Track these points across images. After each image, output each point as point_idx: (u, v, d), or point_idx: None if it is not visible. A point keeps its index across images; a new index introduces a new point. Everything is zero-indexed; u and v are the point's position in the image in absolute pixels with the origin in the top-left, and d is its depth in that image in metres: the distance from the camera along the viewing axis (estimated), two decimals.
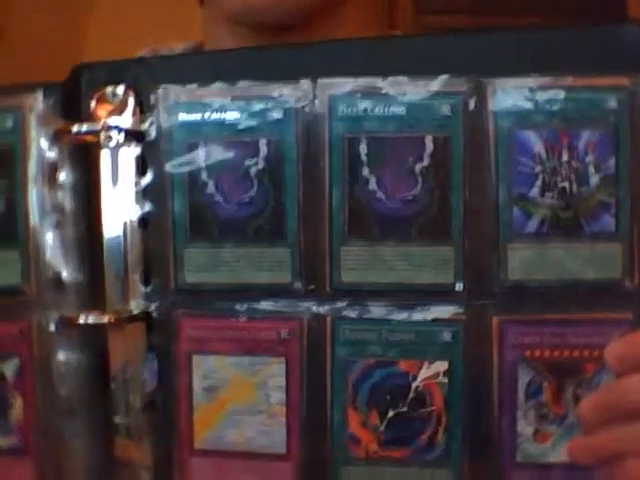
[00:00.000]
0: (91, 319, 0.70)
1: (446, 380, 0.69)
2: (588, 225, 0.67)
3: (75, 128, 0.70)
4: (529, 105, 0.67)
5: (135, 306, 0.72)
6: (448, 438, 0.69)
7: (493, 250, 0.68)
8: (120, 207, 0.71)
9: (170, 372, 0.72)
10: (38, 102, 0.70)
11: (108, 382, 0.72)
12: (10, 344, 0.72)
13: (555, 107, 0.67)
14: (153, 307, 0.72)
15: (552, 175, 0.67)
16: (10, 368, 0.72)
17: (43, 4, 1.69)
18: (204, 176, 0.70)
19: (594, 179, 0.67)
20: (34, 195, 0.70)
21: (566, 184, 0.67)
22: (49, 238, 0.70)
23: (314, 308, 0.70)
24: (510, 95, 0.67)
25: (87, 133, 0.70)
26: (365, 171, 0.69)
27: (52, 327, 0.71)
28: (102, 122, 0.70)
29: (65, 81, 0.72)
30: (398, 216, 0.69)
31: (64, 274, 0.71)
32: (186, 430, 0.72)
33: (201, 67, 0.73)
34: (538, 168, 0.67)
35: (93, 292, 0.72)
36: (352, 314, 0.70)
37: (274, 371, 0.71)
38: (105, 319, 0.70)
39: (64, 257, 0.71)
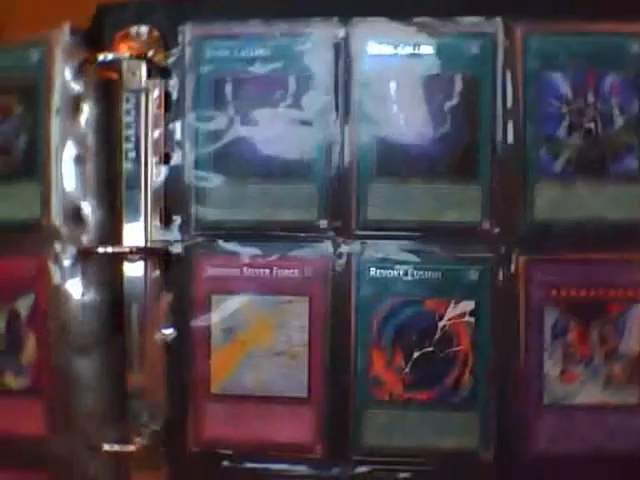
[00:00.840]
0: (110, 249, 0.68)
1: (472, 320, 0.68)
2: (613, 166, 0.68)
3: (101, 57, 0.69)
4: (557, 47, 0.68)
5: (154, 243, 0.70)
6: (474, 380, 0.68)
7: (520, 190, 0.68)
8: (141, 144, 0.70)
9: (188, 313, 0.70)
10: (64, 35, 0.69)
11: (123, 319, 0.70)
12: (26, 280, 0.70)
13: (582, 50, 0.68)
14: (173, 244, 0.70)
15: (578, 116, 0.68)
16: (25, 305, 0.69)
17: None
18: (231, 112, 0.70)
19: (619, 121, 0.68)
20: (56, 128, 0.69)
21: (592, 125, 0.68)
22: (69, 172, 0.69)
23: (339, 246, 0.69)
24: (539, 38, 0.68)
25: (112, 63, 0.69)
26: (394, 109, 0.69)
27: (68, 261, 0.69)
28: (127, 53, 0.69)
29: (90, 20, 0.72)
30: (426, 154, 0.69)
31: (83, 208, 0.69)
32: (203, 374, 0.70)
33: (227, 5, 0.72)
34: (565, 109, 0.68)
35: (112, 228, 0.70)
36: (378, 253, 0.69)
37: (296, 311, 0.69)
38: (123, 250, 0.69)
39: (83, 191, 0.69)
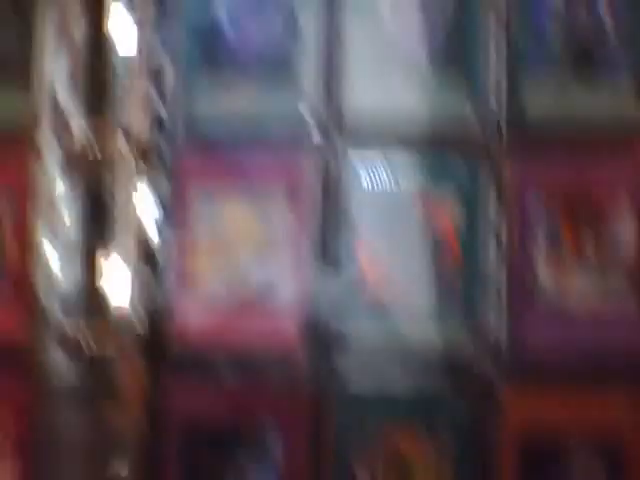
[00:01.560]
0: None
1: (462, 218, 0.67)
2: (601, 61, 0.67)
3: None
4: None
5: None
6: (465, 280, 0.67)
7: (509, 88, 0.67)
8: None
9: (173, 212, 0.69)
10: None
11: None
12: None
13: None
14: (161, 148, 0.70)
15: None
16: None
17: None
18: None
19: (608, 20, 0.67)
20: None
21: (582, 18, 0.67)
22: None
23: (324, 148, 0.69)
24: None
25: None
26: None
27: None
28: None
29: None
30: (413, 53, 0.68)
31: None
32: (185, 271, 0.69)
33: None
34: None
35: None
36: (366, 149, 0.68)
37: (279, 206, 0.69)
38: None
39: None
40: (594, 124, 0.67)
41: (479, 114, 0.68)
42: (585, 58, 0.67)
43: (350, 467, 0.66)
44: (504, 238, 0.67)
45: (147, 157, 0.69)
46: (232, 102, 0.69)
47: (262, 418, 0.67)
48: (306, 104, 0.69)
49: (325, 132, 0.68)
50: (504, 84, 0.68)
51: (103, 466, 0.68)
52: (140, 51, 0.69)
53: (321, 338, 0.67)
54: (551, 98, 0.67)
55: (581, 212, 0.67)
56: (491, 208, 0.67)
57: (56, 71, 0.69)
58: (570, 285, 0.66)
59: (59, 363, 0.68)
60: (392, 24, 0.68)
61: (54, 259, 0.68)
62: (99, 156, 0.68)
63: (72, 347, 0.68)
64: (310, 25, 0.69)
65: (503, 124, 0.67)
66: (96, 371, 0.68)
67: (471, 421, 0.66)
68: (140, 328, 0.69)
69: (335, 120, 0.68)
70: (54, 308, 0.68)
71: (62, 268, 0.68)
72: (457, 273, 0.67)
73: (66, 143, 0.68)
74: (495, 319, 0.66)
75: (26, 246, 0.69)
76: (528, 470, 0.65)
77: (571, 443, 0.65)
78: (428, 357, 0.67)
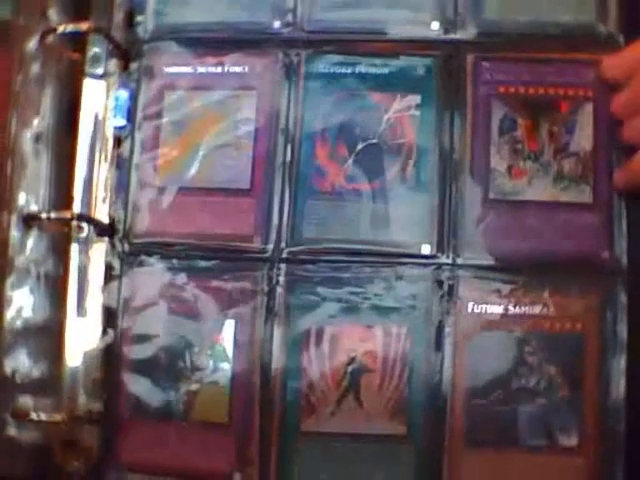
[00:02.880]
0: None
1: (418, 113, 0.67)
2: None
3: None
4: None
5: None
6: (417, 172, 0.67)
7: None
8: None
9: (141, 109, 0.71)
10: None
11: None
12: None
13: None
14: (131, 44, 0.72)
15: None
16: None
17: None
18: None
19: None
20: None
21: None
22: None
23: (289, 49, 0.70)
24: None
25: None
26: None
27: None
28: None
29: None
30: None
31: None
32: (150, 168, 0.70)
33: None
34: None
35: None
36: (328, 52, 0.70)
37: (244, 104, 0.69)
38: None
39: None
40: (553, 26, 0.68)
41: (438, 14, 0.69)
42: None
43: (301, 361, 0.66)
44: (459, 133, 0.67)
45: (121, 55, 0.71)
46: (203, 8, 0.72)
47: (216, 307, 0.68)
48: (272, 11, 0.71)
49: (288, 34, 0.71)
50: None
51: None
52: None
53: (277, 233, 0.68)
54: None
55: (538, 110, 0.67)
56: (447, 105, 0.68)
57: None
58: (525, 182, 0.66)
59: None
60: None
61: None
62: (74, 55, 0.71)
63: None
64: None
65: (462, 21, 0.69)
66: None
67: (423, 316, 0.66)
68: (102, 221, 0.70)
69: (297, 22, 0.71)
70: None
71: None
72: (411, 166, 0.67)
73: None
74: (448, 213, 0.66)
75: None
76: (479, 364, 0.65)
77: (523, 340, 0.65)
78: (382, 252, 0.67)
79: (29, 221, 0.69)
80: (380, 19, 0.69)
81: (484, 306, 0.65)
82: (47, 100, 0.70)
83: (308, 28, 0.70)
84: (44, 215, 0.68)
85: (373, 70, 0.68)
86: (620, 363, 0.63)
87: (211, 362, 0.67)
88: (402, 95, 0.68)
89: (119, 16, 0.72)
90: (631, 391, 0.63)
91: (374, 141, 0.67)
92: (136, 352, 0.68)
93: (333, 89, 0.69)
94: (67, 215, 0.69)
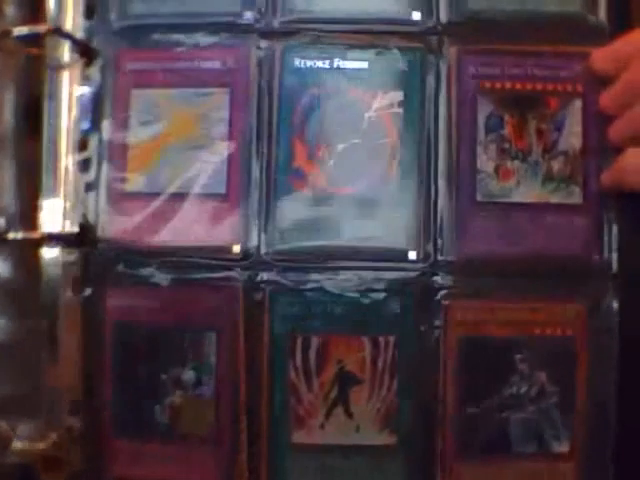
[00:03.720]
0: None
1: (401, 110, 0.65)
2: None
3: None
4: None
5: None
6: (402, 173, 0.64)
7: None
8: None
9: (107, 110, 0.67)
10: None
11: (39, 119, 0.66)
12: None
13: None
14: (93, 40, 0.67)
15: None
16: None
17: None
18: None
19: None
20: None
21: None
22: None
23: (263, 42, 0.66)
24: None
25: None
26: None
27: None
28: None
29: None
30: None
31: None
32: (119, 171, 0.66)
33: None
34: None
35: None
36: (304, 45, 0.66)
37: (217, 103, 0.65)
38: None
39: None
40: (539, 18, 0.65)
41: (420, 5, 0.66)
42: None
43: (287, 372, 0.64)
44: (444, 131, 0.65)
45: (82, 52, 0.67)
46: None
47: (197, 319, 0.65)
48: (244, 1, 0.67)
49: (265, 27, 0.66)
50: None
51: (35, 372, 0.65)
52: None
53: (256, 239, 0.65)
54: None
55: (525, 107, 0.64)
56: (431, 102, 0.65)
57: None
58: (514, 183, 0.64)
59: None
60: None
61: None
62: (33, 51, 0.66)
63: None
64: None
65: (445, 12, 0.66)
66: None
67: (411, 324, 0.63)
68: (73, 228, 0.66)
69: (274, 14, 0.66)
70: None
71: None
72: (395, 167, 0.64)
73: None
74: (435, 217, 0.64)
75: None
76: (468, 370, 0.63)
77: (514, 348, 0.63)
78: (364, 252, 0.64)
79: None
80: (359, 9, 0.66)
81: (473, 312, 0.63)
82: (7, 102, 0.66)
83: (282, 19, 0.66)
84: (11, 235, 0.65)
85: (352, 64, 0.65)
86: (611, 368, 0.63)
87: (195, 375, 0.65)
88: (384, 92, 0.65)
89: (79, 9, 0.67)
90: (622, 396, 0.63)
91: (356, 141, 0.64)
92: (117, 367, 0.65)
93: (310, 85, 0.65)
94: (36, 235, 0.65)
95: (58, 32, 0.65)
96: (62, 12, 0.67)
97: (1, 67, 0.65)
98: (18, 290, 0.66)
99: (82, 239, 0.66)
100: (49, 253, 0.66)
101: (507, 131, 0.64)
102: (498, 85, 0.64)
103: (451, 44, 0.65)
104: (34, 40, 0.65)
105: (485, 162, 0.64)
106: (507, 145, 0.64)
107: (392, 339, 0.63)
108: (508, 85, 0.64)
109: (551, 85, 0.64)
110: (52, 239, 0.65)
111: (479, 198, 0.64)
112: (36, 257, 0.65)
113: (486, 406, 0.63)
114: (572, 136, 0.64)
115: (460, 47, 0.65)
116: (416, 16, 0.65)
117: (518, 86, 0.64)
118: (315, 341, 0.64)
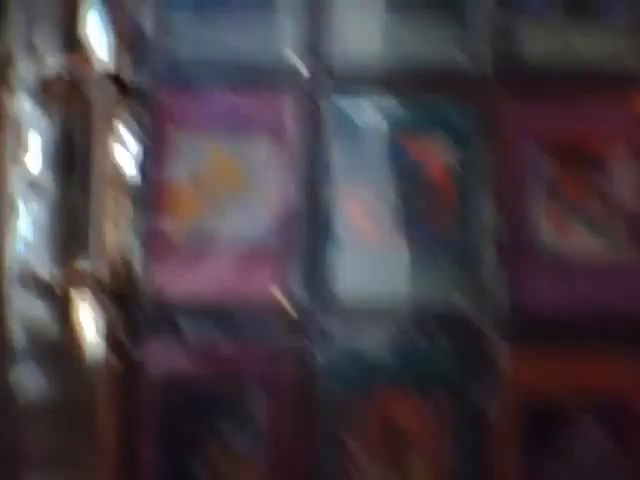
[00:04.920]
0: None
1: (456, 162, 0.63)
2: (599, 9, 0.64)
3: None
4: None
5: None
6: (458, 227, 0.62)
7: (503, 29, 0.64)
8: None
9: (149, 153, 0.64)
10: None
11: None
12: None
13: None
14: (138, 83, 0.65)
15: None
16: None
17: None
18: None
19: None
20: None
21: None
22: None
23: (308, 87, 0.64)
24: None
25: None
26: None
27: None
28: None
29: None
30: None
31: None
32: (161, 219, 0.64)
33: None
34: None
35: None
36: (354, 91, 0.64)
37: (262, 148, 0.64)
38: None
39: None
40: (592, 70, 0.64)
41: (471, 55, 0.64)
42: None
43: (338, 432, 0.61)
44: (500, 187, 0.63)
45: (127, 95, 0.64)
46: (215, 42, 0.65)
47: (244, 380, 0.62)
48: (291, 45, 0.65)
49: (311, 75, 0.65)
50: (497, 24, 0.64)
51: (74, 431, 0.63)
52: None
53: (306, 293, 0.62)
54: (547, 40, 0.64)
55: (579, 162, 0.63)
56: (485, 155, 0.63)
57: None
58: (570, 239, 0.62)
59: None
60: None
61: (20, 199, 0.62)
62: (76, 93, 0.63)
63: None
64: None
65: (496, 67, 0.64)
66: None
67: (469, 384, 0.61)
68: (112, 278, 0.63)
69: (321, 62, 0.65)
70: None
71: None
72: (452, 222, 0.63)
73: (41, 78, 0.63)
74: (493, 273, 0.62)
75: None
76: (529, 435, 0.61)
77: (574, 407, 0.61)
78: (421, 314, 0.62)
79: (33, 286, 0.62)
80: (410, 58, 0.64)
81: (533, 374, 0.61)
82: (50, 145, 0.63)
83: (331, 64, 0.64)
84: (51, 286, 0.62)
85: (405, 113, 0.63)
86: None
87: (241, 435, 0.62)
88: (437, 142, 0.63)
89: (124, 52, 0.64)
90: None
91: (409, 194, 0.62)
92: (159, 426, 0.63)
93: (360, 133, 0.63)
94: (76, 287, 0.62)
95: (103, 74, 0.63)
96: (107, 55, 0.64)
97: (46, 110, 0.63)
98: (57, 346, 0.63)
99: (122, 289, 0.63)
100: (89, 306, 0.63)
101: (562, 184, 0.63)
102: (552, 138, 0.63)
103: (503, 95, 0.64)
104: (79, 82, 0.63)
105: (540, 217, 0.62)
106: (562, 198, 0.62)
107: (447, 398, 0.61)
108: (561, 137, 0.63)
109: (606, 136, 0.63)
110: (92, 290, 0.62)
111: (536, 253, 0.62)
112: (75, 310, 0.62)
113: (547, 471, 0.61)
114: (628, 188, 0.62)
115: (514, 97, 0.64)
116: (467, 66, 0.64)
117: (573, 138, 0.63)
118: (366, 399, 0.61)
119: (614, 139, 0.63)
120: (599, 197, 0.62)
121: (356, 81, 0.64)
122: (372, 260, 0.62)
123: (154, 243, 0.64)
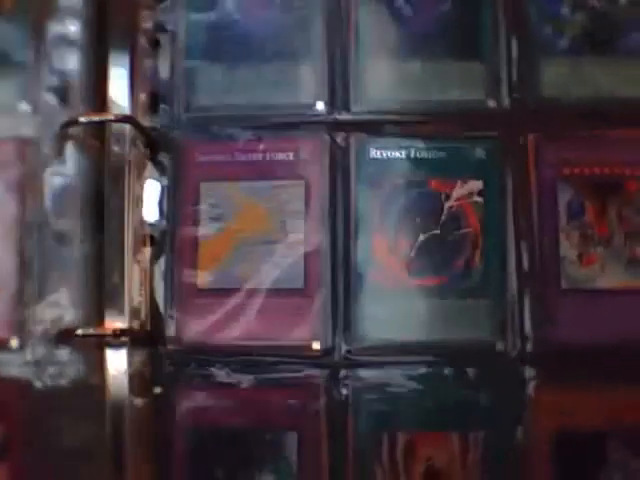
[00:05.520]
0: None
1: (481, 199, 0.63)
2: (620, 41, 0.65)
3: None
4: None
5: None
6: (486, 263, 0.63)
7: (524, 66, 0.65)
8: None
9: (175, 203, 0.65)
10: None
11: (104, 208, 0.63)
12: None
13: None
14: (161, 132, 0.66)
15: None
16: None
17: None
18: None
19: None
20: None
21: (595, 2, 0.66)
22: None
23: (337, 133, 0.65)
24: None
25: None
26: None
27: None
28: None
29: None
30: (424, 33, 0.66)
31: None
32: (189, 266, 0.64)
33: None
34: None
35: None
36: (379, 135, 0.65)
37: (291, 195, 0.64)
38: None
39: None
40: (615, 103, 0.65)
41: (495, 93, 0.65)
42: (604, 34, 0.66)
43: (373, 472, 0.61)
44: (526, 220, 0.63)
45: (150, 145, 0.65)
46: (239, 91, 0.66)
47: (275, 422, 0.62)
48: (315, 92, 0.66)
49: (337, 122, 0.65)
50: (519, 63, 0.66)
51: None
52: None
53: (337, 335, 0.63)
54: (569, 76, 0.65)
55: (605, 192, 0.63)
56: (511, 189, 0.64)
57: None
58: (596, 269, 0.63)
59: None
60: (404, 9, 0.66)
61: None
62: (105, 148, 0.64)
63: None
64: (317, 13, 0.67)
65: (519, 102, 0.65)
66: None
67: (499, 418, 0.61)
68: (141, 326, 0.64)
69: (346, 109, 0.66)
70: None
71: None
72: (478, 257, 0.63)
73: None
74: (520, 305, 0.63)
75: None
76: (560, 465, 0.61)
77: (605, 436, 0.61)
78: (451, 349, 0.62)
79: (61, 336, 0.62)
80: (433, 98, 0.65)
81: (563, 403, 0.62)
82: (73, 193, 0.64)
83: (355, 109, 0.65)
84: (79, 332, 0.62)
85: (430, 154, 0.64)
86: None
87: (275, 478, 0.62)
88: (463, 181, 0.64)
89: (145, 100, 0.65)
90: None
91: (437, 231, 0.63)
92: (189, 473, 0.62)
93: (388, 176, 0.64)
94: (104, 332, 0.62)
95: (125, 120, 0.63)
96: (129, 103, 0.64)
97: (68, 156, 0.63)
98: (84, 390, 0.62)
99: (151, 338, 0.64)
100: (116, 352, 0.63)
101: (588, 217, 0.63)
102: (577, 171, 0.64)
103: (528, 131, 0.64)
104: (100, 130, 0.63)
105: (568, 249, 0.63)
106: (589, 231, 0.63)
107: (481, 434, 0.61)
108: (587, 171, 0.64)
109: (630, 169, 0.64)
110: (120, 337, 0.62)
111: (564, 285, 0.63)
112: (103, 356, 0.62)
113: None
114: None
115: (538, 134, 0.64)
116: (492, 104, 0.65)
117: (597, 171, 0.64)
118: (401, 438, 0.62)
119: (636, 170, 0.64)
120: (624, 227, 0.63)
121: (381, 126, 0.65)
122: (400, 297, 0.63)
123: (183, 290, 0.64)
